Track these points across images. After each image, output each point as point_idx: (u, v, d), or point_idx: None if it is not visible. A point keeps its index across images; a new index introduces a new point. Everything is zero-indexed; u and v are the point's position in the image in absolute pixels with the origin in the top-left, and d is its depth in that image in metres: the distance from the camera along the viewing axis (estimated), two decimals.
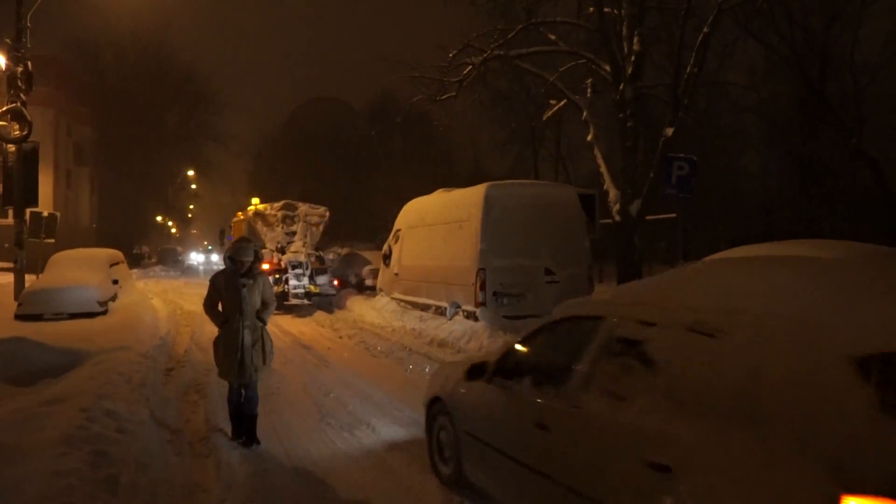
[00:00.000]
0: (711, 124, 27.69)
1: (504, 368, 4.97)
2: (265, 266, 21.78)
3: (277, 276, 21.27)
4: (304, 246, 22.56)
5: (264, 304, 6.98)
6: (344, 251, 29.87)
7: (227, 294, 6.82)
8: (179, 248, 65.97)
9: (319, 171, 54.05)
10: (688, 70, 14.57)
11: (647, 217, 15.68)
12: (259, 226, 23.09)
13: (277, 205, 23.39)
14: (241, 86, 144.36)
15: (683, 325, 3.44)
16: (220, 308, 6.93)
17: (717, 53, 18.50)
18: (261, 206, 23.71)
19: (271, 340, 7.07)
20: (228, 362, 6.79)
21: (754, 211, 31.15)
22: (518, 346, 5.01)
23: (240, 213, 27.88)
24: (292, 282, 21.43)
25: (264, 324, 6.98)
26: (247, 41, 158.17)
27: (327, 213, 23.83)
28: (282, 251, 22.34)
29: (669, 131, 14.56)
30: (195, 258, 74.02)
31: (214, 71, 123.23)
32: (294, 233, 22.78)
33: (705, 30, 14.25)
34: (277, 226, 22.78)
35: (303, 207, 23.41)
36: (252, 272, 6.86)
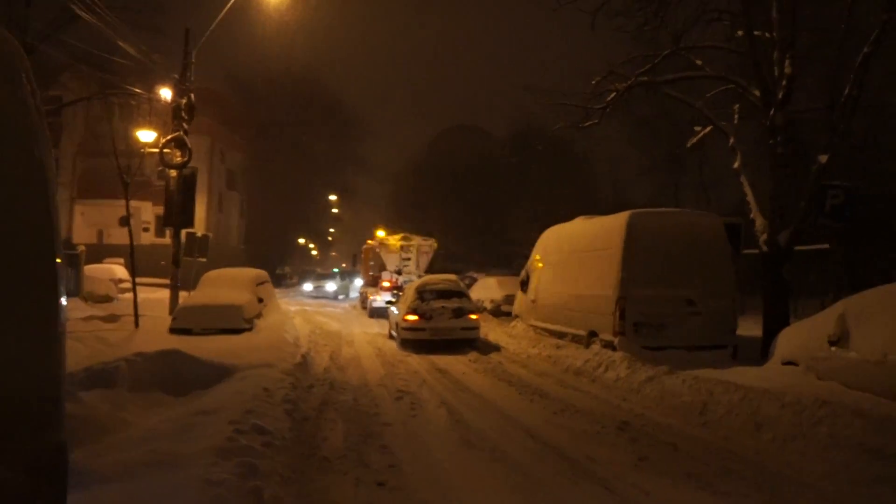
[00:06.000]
0: (869, 149, 26.02)
1: None
2: (385, 283, 27.47)
3: (395, 291, 25.83)
4: (416, 268, 28.70)
5: None
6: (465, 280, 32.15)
7: None
8: (319, 270, 67.81)
9: (458, 198, 54.71)
10: (845, 93, 13.85)
11: (797, 248, 14.95)
12: (382, 252, 29.51)
13: (397, 236, 30.48)
14: (385, 114, 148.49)
15: None
16: None
17: (879, 73, 17.29)
18: (384, 238, 30.71)
19: None
20: None
21: None
22: None
23: (369, 241, 34.42)
24: None
25: None
26: (390, 72, 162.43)
27: (436, 244, 30.42)
28: (399, 273, 28.24)
29: (823, 158, 13.85)
30: (329, 287, 48.94)
31: (359, 100, 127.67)
32: (409, 258, 29.07)
33: (866, 49, 13.48)
34: (396, 253, 29.04)
35: (416, 239, 30.01)
36: None
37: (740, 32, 15.27)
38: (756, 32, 14.91)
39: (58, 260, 3.11)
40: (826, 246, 16.50)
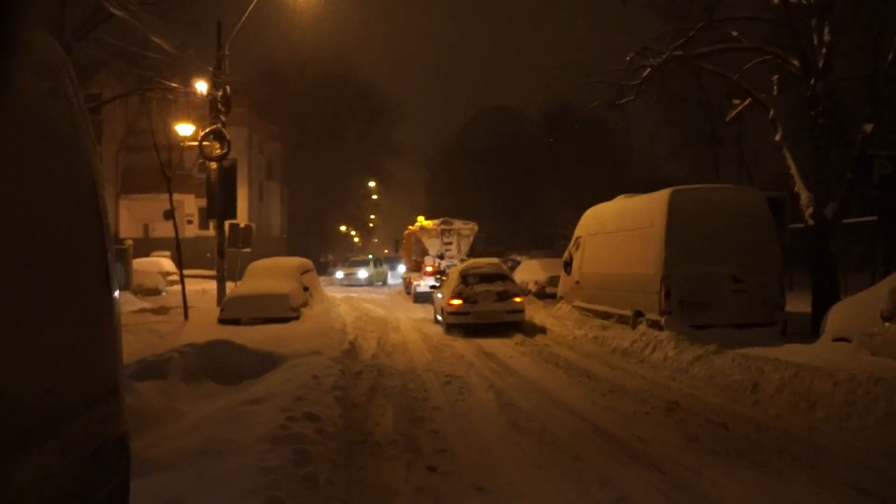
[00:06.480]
0: None
1: None
2: (428, 268, 27.75)
3: (438, 275, 26.09)
4: (458, 252, 28.89)
5: None
6: (508, 262, 32.07)
7: None
8: (352, 258, 68.13)
9: (494, 180, 54.59)
10: (889, 59, 13.49)
11: (844, 221, 14.64)
12: (423, 237, 29.78)
13: (437, 221, 30.47)
14: (419, 98, 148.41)
15: None
16: None
17: None
18: (424, 223, 30.78)
19: None
20: None
21: None
22: None
23: (410, 226, 34.55)
24: None
25: None
26: (420, 56, 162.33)
27: (476, 227, 30.40)
28: (441, 257, 28.49)
29: (868, 127, 13.55)
30: (361, 275, 45.55)
31: (390, 85, 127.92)
32: (450, 243, 29.23)
33: None
34: (437, 237, 29.21)
35: (457, 223, 30.21)
36: None
37: (776, 1, 14.94)
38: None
39: (109, 255, 3.15)
40: (875, 218, 16.12)
